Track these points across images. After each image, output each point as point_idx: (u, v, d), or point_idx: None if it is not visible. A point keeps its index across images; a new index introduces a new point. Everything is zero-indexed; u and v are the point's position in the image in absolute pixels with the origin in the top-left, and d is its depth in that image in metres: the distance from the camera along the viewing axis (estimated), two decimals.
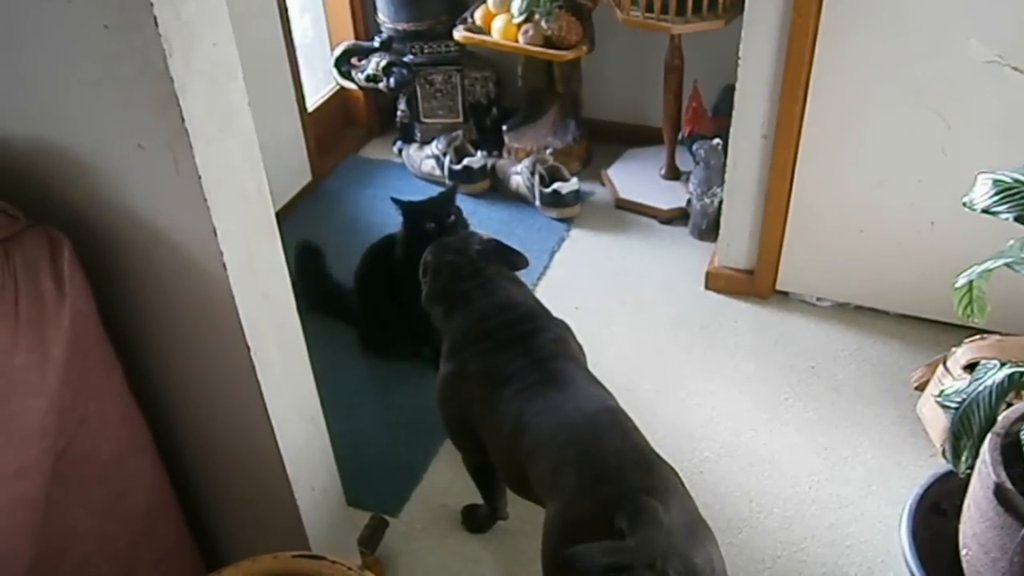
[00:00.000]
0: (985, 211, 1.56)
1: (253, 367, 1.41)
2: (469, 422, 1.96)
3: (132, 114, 1.22)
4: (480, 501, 2.19)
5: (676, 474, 1.67)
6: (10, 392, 1.24)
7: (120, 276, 1.43)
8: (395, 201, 2.55)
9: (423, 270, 2.13)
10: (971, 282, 1.67)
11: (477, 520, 2.22)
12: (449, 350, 2.01)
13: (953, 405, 1.53)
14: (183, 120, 1.19)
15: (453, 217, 2.54)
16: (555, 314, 2.04)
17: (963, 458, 1.54)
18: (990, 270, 1.61)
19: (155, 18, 1.11)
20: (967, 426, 1.50)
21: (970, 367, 2.13)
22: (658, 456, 1.69)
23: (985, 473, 1.66)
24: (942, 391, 1.61)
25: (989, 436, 1.57)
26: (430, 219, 2.51)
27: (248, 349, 1.39)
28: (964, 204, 1.60)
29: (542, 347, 1.89)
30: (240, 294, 1.35)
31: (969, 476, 1.75)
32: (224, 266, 1.31)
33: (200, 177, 1.23)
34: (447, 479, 2.32)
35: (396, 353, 2.70)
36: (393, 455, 2.40)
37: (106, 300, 1.41)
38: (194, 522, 1.70)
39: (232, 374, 1.44)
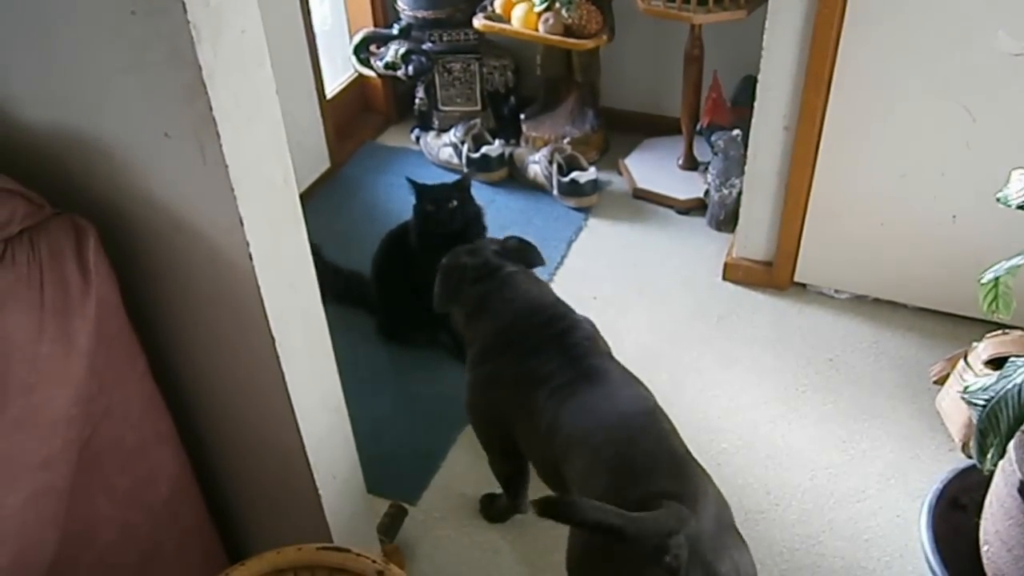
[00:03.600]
0: (1021, 207, 1.54)
1: (278, 358, 1.41)
2: (502, 427, 1.94)
3: (159, 102, 1.21)
4: (499, 490, 2.18)
5: (711, 481, 1.62)
6: (36, 382, 1.24)
7: (145, 265, 1.42)
8: (410, 181, 2.55)
9: (439, 269, 2.13)
10: (997, 278, 1.66)
11: (496, 510, 2.21)
12: (478, 355, 1.99)
13: (980, 402, 1.51)
14: (211, 108, 1.18)
15: (455, 202, 2.52)
16: (573, 305, 2.04)
17: (989, 455, 1.53)
18: (1018, 266, 1.60)
19: (183, 4, 1.10)
20: (994, 423, 1.49)
21: (992, 362, 2.12)
22: (694, 461, 1.65)
23: (1010, 471, 1.66)
24: (967, 387, 1.60)
25: (1017, 435, 1.56)
26: (430, 201, 2.51)
27: (273, 340, 1.38)
28: (998, 200, 1.58)
29: (576, 345, 1.87)
30: (266, 284, 1.34)
31: (993, 473, 1.74)
32: (250, 256, 1.30)
33: (227, 166, 1.22)
34: (466, 467, 2.33)
35: (414, 340, 2.70)
36: (412, 443, 2.40)
37: (130, 289, 1.41)
38: (216, 510, 1.70)
39: (256, 364, 1.44)
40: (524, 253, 2.13)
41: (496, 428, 1.99)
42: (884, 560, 2.07)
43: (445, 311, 2.11)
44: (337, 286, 2.79)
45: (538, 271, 2.14)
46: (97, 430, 1.36)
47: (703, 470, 1.64)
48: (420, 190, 2.55)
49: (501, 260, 2.07)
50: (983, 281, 1.68)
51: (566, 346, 1.86)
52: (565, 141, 3.31)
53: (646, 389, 1.84)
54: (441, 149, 3.46)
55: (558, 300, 2.03)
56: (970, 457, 2.11)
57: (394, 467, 2.33)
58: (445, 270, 2.09)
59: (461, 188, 2.56)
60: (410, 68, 3.35)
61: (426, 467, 2.33)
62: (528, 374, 1.85)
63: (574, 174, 3.17)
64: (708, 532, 1.48)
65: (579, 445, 1.69)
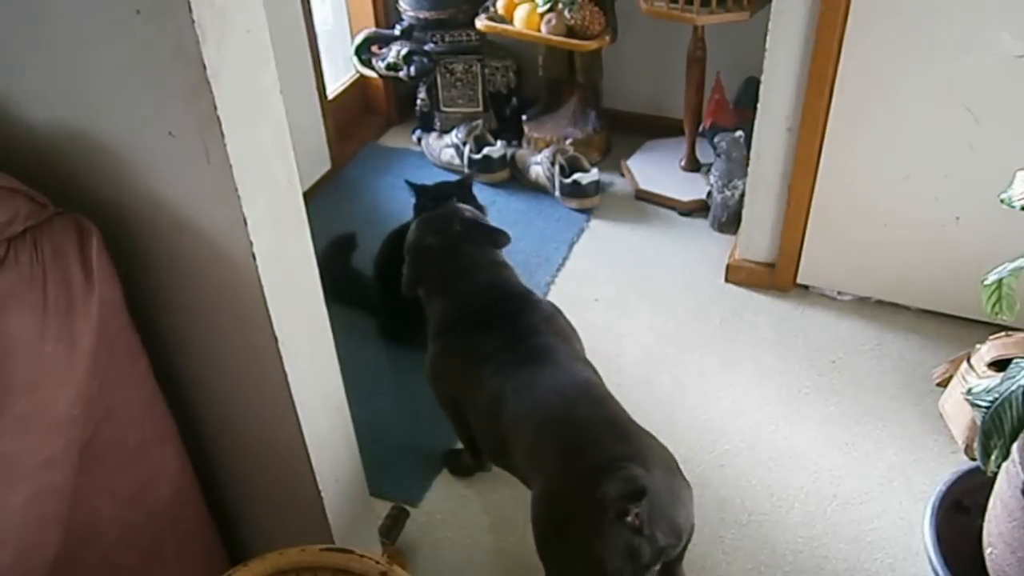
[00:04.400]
0: None
1: (280, 358, 1.40)
2: (456, 400, 2.03)
3: (163, 101, 1.21)
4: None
5: (653, 437, 1.72)
6: (39, 382, 1.24)
7: (147, 265, 1.42)
8: (408, 183, 2.55)
9: (405, 250, 2.17)
10: (1000, 280, 1.66)
11: (460, 466, 2.29)
12: (434, 331, 2.08)
13: (984, 404, 1.51)
14: (215, 108, 1.17)
15: (457, 200, 2.52)
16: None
17: (993, 457, 1.53)
18: (1021, 268, 1.60)
19: (188, 3, 1.10)
20: (998, 425, 1.49)
21: (995, 364, 2.12)
22: (633, 423, 1.74)
23: (1014, 472, 1.65)
24: (970, 389, 1.60)
25: (1021, 436, 1.56)
26: (432, 200, 2.51)
27: (276, 340, 1.38)
28: (1002, 201, 1.58)
29: (524, 325, 1.94)
30: (269, 284, 1.34)
31: (996, 475, 1.73)
32: (253, 256, 1.30)
33: (231, 166, 1.21)
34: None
35: (416, 341, 2.68)
36: (414, 444, 2.40)
37: (132, 288, 1.40)
38: (217, 512, 1.70)
39: (259, 365, 1.43)
40: (488, 234, 2.16)
41: (450, 400, 2.08)
42: (887, 563, 2.07)
43: (413, 295, 2.14)
44: (343, 285, 2.78)
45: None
46: (99, 430, 1.35)
47: (644, 430, 1.73)
48: (421, 190, 2.55)
49: (464, 240, 2.11)
50: (986, 283, 1.68)
51: (514, 326, 1.94)
52: (567, 142, 3.31)
53: (594, 371, 1.91)
54: (443, 150, 3.45)
55: (517, 283, 2.09)
56: (973, 459, 2.10)
57: (396, 468, 2.32)
58: (413, 252, 2.13)
59: (463, 187, 2.56)
60: (412, 69, 3.35)
61: (428, 469, 2.33)
62: (473, 351, 1.94)
63: (576, 175, 3.16)
64: (663, 487, 1.59)
65: (522, 425, 1.77)
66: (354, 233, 2.96)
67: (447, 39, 3.41)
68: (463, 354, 1.97)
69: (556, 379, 1.83)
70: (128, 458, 1.43)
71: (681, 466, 1.72)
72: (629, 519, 1.51)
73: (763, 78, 2.46)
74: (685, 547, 1.73)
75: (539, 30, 3.11)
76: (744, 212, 2.76)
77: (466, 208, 2.24)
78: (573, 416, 1.73)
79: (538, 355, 1.87)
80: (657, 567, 1.63)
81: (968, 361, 2.21)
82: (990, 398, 1.51)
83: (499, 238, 2.15)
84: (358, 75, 3.63)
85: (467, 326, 1.99)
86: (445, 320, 2.05)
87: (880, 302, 2.73)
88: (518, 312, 1.98)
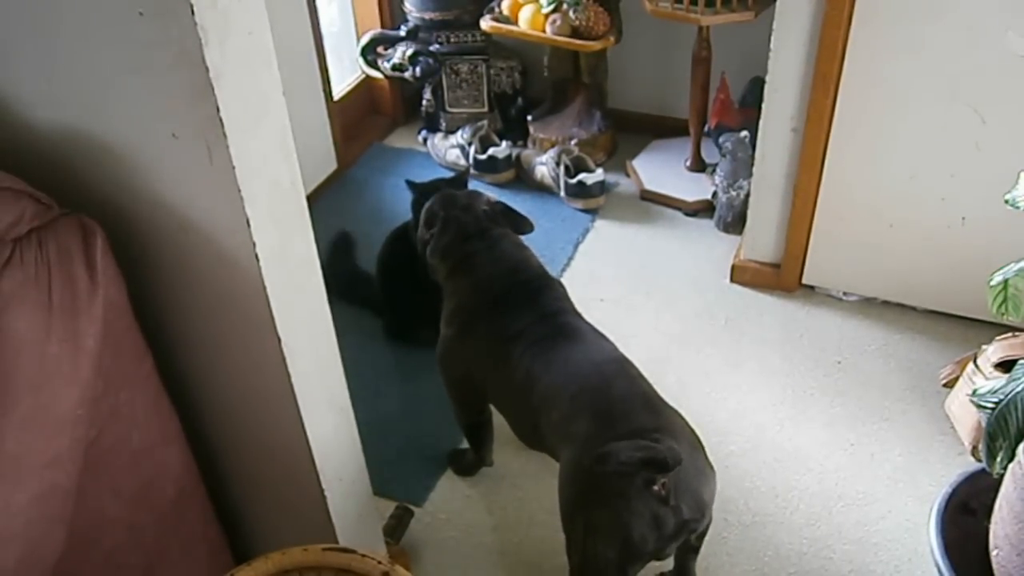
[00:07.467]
0: None
1: (283, 358, 1.41)
2: (474, 382, 2.06)
3: (166, 103, 1.21)
4: (467, 446, 2.32)
5: (682, 417, 1.77)
6: (43, 382, 1.24)
7: (151, 265, 1.42)
8: (408, 182, 2.56)
9: (428, 220, 2.17)
10: (1007, 280, 1.66)
11: (464, 464, 2.31)
12: (454, 311, 2.09)
13: (989, 405, 1.51)
14: (218, 109, 1.17)
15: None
16: (580, 306, 2.06)
17: (998, 459, 1.52)
18: None
19: (191, 6, 1.10)
20: (1004, 427, 1.48)
21: (1001, 365, 2.11)
22: (664, 401, 1.78)
23: (1019, 474, 1.65)
24: (975, 390, 1.60)
25: None
26: (426, 196, 2.50)
27: (279, 340, 1.38)
28: (1006, 201, 1.58)
29: (549, 304, 1.98)
30: (272, 285, 1.34)
31: (1002, 476, 1.73)
32: (256, 257, 1.30)
33: (234, 167, 1.22)
34: None
35: (420, 340, 2.68)
36: (418, 444, 2.40)
37: (136, 289, 1.41)
38: (222, 512, 1.70)
39: (262, 365, 1.44)
40: (511, 219, 2.18)
41: (466, 382, 2.10)
42: (893, 564, 2.07)
43: (437, 261, 2.15)
44: (348, 285, 2.79)
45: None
46: (104, 430, 1.36)
47: (674, 409, 1.78)
48: (418, 187, 2.55)
49: (490, 221, 2.13)
50: (992, 283, 1.68)
51: (539, 305, 1.98)
52: (572, 143, 3.31)
53: (613, 344, 1.96)
54: (448, 151, 3.46)
55: (539, 264, 2.12)
56: (980, 461, 2.10)
57: (400, 468, 2.33)
58: (443, 221, 2.12)
59: (456, 183, 2.56)
60: (417, 70, 3.35)
61: (432, 469, 2.34)
62: (503, 330, 1.96)
63: (581, 176, 3.16)
64: (689, 462, 1.62)
65: (555, 397, 1.81)
66: (347, 232, 2.97)
67: (452, 40, 3.41)
68: (490, 333, 1.99)
69: (591, 354, 1.88)
70: (132, 458, 1.44)
71: None
72: (656, 488, 1.56)
73: (768, 78, 2.46)
74: (704, 533, 1.78)
75: (544, 31, 3.11)
76: (749, 212, 2.76)
77: (484, 193, 2.27)
78: (610, 390, 1.77)
79: (568, 331, 1.93)
80: (678, 542, 1.67)
81: (974, 362, 2.20)
82: (995, 399, 1.51)
83: (523, 224, 2.18)
84: (364, 76, 3.63)
85: (494, 306, 2.01)
86: (469, 300, 2.06)
87: (886, 302, 2.73)
88: (542, 290, 2.02)
